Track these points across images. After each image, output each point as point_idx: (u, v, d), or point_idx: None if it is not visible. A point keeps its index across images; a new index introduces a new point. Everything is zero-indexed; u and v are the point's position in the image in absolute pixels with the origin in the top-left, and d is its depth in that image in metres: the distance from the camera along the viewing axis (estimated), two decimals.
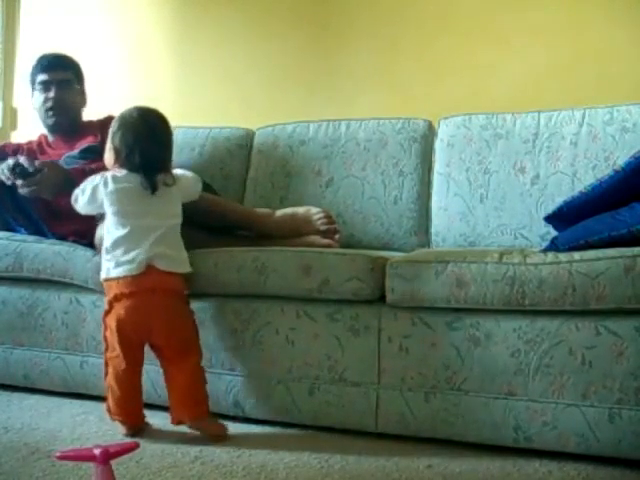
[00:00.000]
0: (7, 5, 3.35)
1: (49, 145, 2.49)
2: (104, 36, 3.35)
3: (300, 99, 2.99)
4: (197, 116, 2.99)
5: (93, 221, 2.16)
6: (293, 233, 2.17)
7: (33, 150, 2.45)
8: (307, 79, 3.01)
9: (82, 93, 2.53)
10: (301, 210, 2.23)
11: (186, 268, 1.86)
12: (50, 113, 2.44)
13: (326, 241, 2.13)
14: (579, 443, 1.61)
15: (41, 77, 2.45)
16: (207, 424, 1.79)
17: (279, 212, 2.23)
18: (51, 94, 2.42)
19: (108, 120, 2.46)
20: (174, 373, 1.80)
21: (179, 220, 1.88)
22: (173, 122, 2.75)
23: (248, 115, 2.94)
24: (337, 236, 2.18)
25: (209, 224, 2.16)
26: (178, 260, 1.84)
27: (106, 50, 3.33)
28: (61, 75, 2.44)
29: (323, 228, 2.17)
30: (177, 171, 1.96)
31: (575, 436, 1.61)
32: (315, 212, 2.20)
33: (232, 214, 2.21)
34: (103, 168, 2.08)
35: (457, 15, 2.81)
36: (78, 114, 2.51)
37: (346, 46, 2.95)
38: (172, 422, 1.81)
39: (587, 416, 1.60)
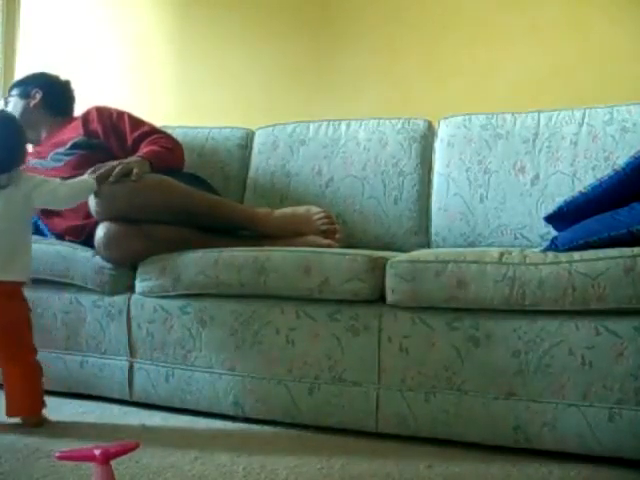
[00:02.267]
0: (7, 5, 3.36)
1: (38, 152, 2.51)
2: (104, 36, 3.35)
3: (300, 99, 2.99)
4: (197, 116, 2.99)
5: (88, 218, 2.16)
6: (293, 233, 2.17)
7: None
8: (307, 79, 3.01)
9: (26, 98, 2.55)
10: (301, 210, 2.24)
11: (16, 276, 1.83)
12: None
13: (326, 241, 2.13)
14: (579, 443, 1.61)
15: None
16: (40, 418, 1.85)
17: (279, 211, 2.24)
18: None
19: (87, 113, 2.49)
20: (10, 371, 1.84)
21: (14, 224, 1.84)
22: (173, 122, 2.78)
23: (248, 115, 2.94)
24: (337, 236, 2.18)
25: (209, 225, 2.17)
26: (5, 268, 1.81)
27: (106, 50, 3.33)
28: (7, 95, 2.60)
29: (323, 228, 2.17)
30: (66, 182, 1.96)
31: (575, 436, 1.61)
32: (315, 212, 2.21)
33: (232, 214, 2.21)
34: (87, 161, 2.17)
35: (457, 15, 2.80)
36: (29, 120, 2.48)
37: (346, 46, 2.95)
38: (7, 414, 1.84)
39: (587, 416, 1.60)
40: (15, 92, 2.58)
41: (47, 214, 2.31)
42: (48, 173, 2.36)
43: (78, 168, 2.30)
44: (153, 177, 2.12)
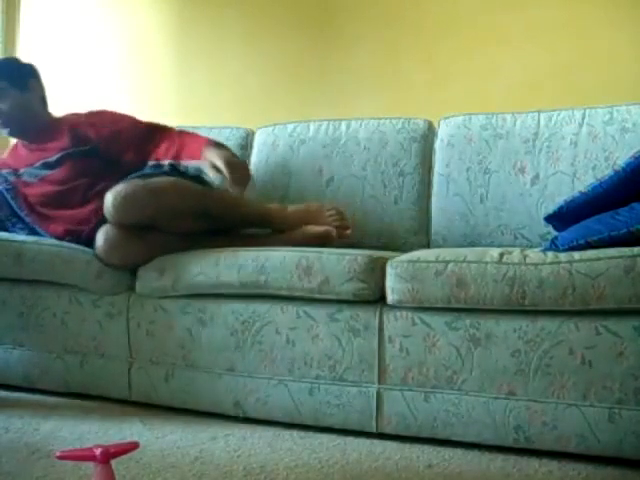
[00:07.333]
0: (7, 5, 3.36)
1: (24, 147, 2.44)
2: (104, 36, 3.35)
3: (300, 99, 2.99)
4: (197, 116, 2.99)
5: (84, 221, 2.15)
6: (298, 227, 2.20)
7: (7, 163, 2.42)
8: (307, 79, 3.01)
9: (25, 90, 2.37)
10: (314, 206, 2.27)
11: None
12: (1, 126, 2.38)
13: (322, 228, 2.16)
14: (579, 443, 1.61)
15: None
16: None
17: (292, 207, 2.27)
18: None
19: (78, 127, 2.39)
20: None
21: None
22: (174, 122, 2.78)
23: (248, 115, 2.95)
24: (348, 232, 2.20)
25: (226, 225, 2.17)
26: None
27: (106, 50, 3.33)
28: None
29: (335, 224, 2.20)
30: None
31: (575, 436, 1.61)
32: (327, 208, 2.25)
33: (248, 212, 2.21)
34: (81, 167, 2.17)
35: (457, 15, 2.81)
36: (32, 115, 2.40)
37: (346, 46, 2.95)
38: None
39: (587, 416, 1.60)
40: (3, 83, 2.33)
41: (42, 219, 2.28)
42: (42, 186, 2.32)
43: (73, 175, 2.28)
44: (167, 180, 2.09)
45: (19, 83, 2.37)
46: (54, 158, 2.32)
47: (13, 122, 2.38)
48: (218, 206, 2.15)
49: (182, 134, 2.37)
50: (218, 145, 2.27)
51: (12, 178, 2.36)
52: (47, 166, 2.33)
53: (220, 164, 2.12)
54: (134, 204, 1.99)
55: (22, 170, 2.37)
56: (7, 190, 2.33)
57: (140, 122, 2.43)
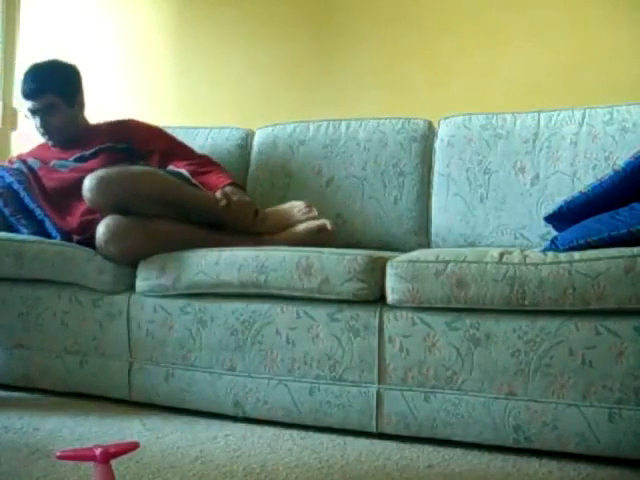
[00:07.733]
0: (7, 5, 3.35)
1: (60, 151, 2.47)
2: (104, 36, 3.35)
3: (300, 99, 2.99)
4: (197, 116, 3.00)
5: (98, 214, 2.16)
6: (277, 228, 2.27)
7: (39, 157, 2.46)
8: (307, 79, 3.01)
9: (74, 106, 2.43)
10: (285, 206, 2.34)
11: None
12: (46, 137, 2.44)
13: (318, 222, 2.22)
14: (579, 443, 1.61)
15: (25, 105, 2.41)
16: None
17: (266, 211, 2.34)
18: (38, 123, 2.39)
19: (119, 124, 2.49)
20: None
21: None
22: (174, 122, 2.78)
23: (248, 115, 2.95)
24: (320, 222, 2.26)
25: (199, 220, 2.19)
26: None
27: (106, 50, 3.33)
28: (43, 101, 2.36)
29: (303, 218, 2.27)
30: None
31: (575, 436, 1.61)
32: (296, 205, 2.31)
33: (222, 212, 2.22)
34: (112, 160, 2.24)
35: (457, 15, 2.81)
36: (75, 127, 2.45)
37: (346, 46, 2.96)
38: None
39: (587, 416, 1.60)
40: (56, 98, 2.37)
41: (56, 211, 2.29)
42: (72, 173, 2.35)
43: (105, 166, 2.29)
44: (142, 168, 2.21)
45: (69, 100, 2.42)
46: (89, 152, 2.39)
47: (59, 134, 2.43)
48: (193, 201, 2.20)
49: (211, 164, 2.47)
50: (241, 187, 2.40)
51: (37, 165, 2.39)
52: (81, 159, 2.39)
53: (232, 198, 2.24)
54: (107, 187, 2.05)
55: (53, 162, 2.41)
56: (19, 182, 2.32)
57: (177, 140, 2.53)
